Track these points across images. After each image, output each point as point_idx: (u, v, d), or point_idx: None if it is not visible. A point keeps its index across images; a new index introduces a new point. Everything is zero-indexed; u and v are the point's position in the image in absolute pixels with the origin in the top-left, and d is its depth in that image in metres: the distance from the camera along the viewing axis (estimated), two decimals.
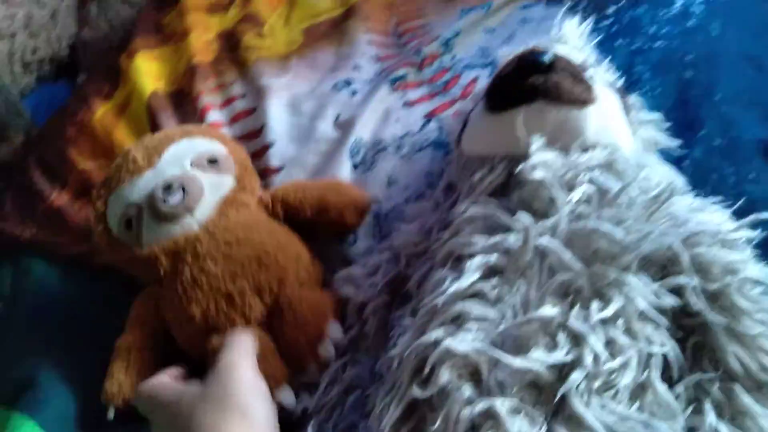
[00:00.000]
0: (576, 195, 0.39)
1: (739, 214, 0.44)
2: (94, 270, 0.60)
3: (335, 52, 0.72)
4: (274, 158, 0.62)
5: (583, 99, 0.43)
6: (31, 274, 0.62)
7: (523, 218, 0.38)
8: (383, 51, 0.72)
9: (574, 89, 0.42)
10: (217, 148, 0.53)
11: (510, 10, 0.72)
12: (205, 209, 0.49)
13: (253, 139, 0.64)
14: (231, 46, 0.75)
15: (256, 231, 0.49)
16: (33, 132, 0.77)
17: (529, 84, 0.42)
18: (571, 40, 0.52)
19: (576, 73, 0.44)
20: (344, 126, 0.63)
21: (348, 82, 0.68)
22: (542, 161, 0.41)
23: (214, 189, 0.50)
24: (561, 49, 0.47)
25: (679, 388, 0.36)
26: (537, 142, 0.42)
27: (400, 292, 0.46)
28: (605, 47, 0.61)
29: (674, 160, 0.52)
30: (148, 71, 0.73)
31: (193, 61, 0.72)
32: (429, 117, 0.62)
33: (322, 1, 0.80)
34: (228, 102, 0.69)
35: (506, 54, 0.52)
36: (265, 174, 0.62)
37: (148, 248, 0.49)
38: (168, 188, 0.49)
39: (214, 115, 0.67)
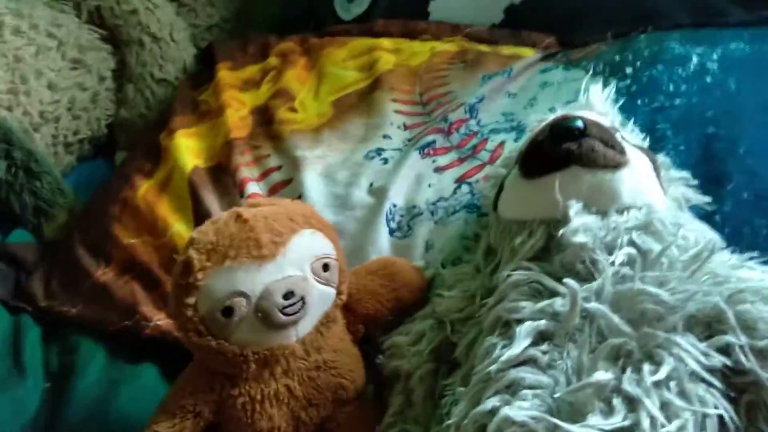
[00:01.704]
0: (619, 257, 0.40)
1: None
2: (141, 344, 0.62)
3: (365, 123, 0.75)
4: None
5: (617, 162, 0.45)
6: (79, 351, 0.64)
7: (570, 282, 0.39)
8: (410, 119, 0.75)
9: (607, 153, 0.44)
10: (331, 252, 0.48)
11: (530, 74, 0.75)
12: (308, 323, 0.46)
13: None
14: (265, 121, 0.79)
15: (340, 356, 0.48)
16: (76, 210, 0.80)
17: (564, 150, 0.44)
18: (597, 105, 0.54)
19: (607, 138, 0.46)
20: (378, 193, 0.66)
21: (379, 151, 0.71)
22: (582, 225, 0.42)
23: (320, 302, 0.47)
24: (589, 115, 0.50)
25: None
26: (575, 206, 0.43)
27: (446, 359, 0.47)
28: (626, 108, 0.63)
29: (705, 215, 0.54)
30: (188, 148, 0.76)
31: (229, 137, 0.76)
32: (460, 181, 0.65)
33: (349, 74, 0.84)
34: (265, 174, 0.72)
35: (536, 120, 0.55)
36: None
37: (239, 347, 0.45)
38: (288, 295, 0.44)
39: (253, 188, 0.70)
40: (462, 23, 0.86)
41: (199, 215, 0.67)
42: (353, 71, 0.84)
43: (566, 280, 0.39)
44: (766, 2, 0.73)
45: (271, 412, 0.46)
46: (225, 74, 0.87)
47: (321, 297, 0.47)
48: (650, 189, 0.46)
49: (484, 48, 0.82)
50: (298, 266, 0.46)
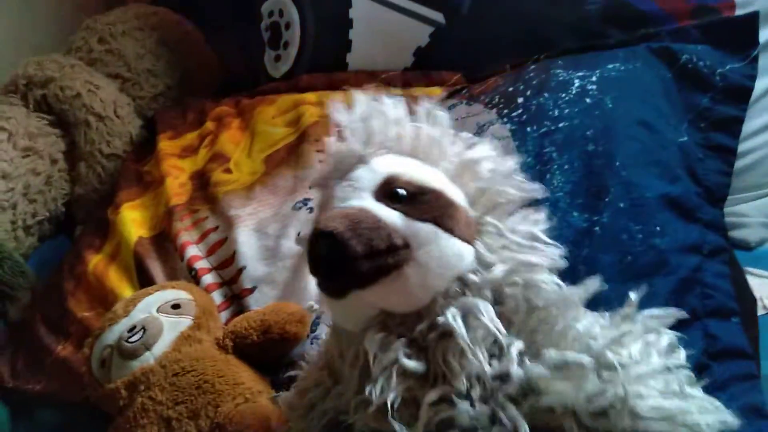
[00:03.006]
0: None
1: (652, 267, 0.54)
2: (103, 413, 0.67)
3: (293, 176, 0.81)
4: (247, 280, 0.70)
5: (390, 269, 0.39)
6: (45, 426, 0.69)
7: None
8: None
9: (380, 265, 0.38)
10: (182, 296, 0.62)
11: None
12: (162, 345, 0.58)
13: (228, 266, 0.72)
14: (202, 185, 0.84)
15: (202, 362, 0.56)
16: (38, 290, 0.85)
17: (333, 285, 0.41)
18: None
19: (374, 242, 0.38)
20: (305, 241, 0.71)
21: (305, 202, 0.76)
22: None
23: (172, 328, 0.59)
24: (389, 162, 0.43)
25: None
26: (372, 339, 0.40)
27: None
28: (518, 135, 0.70)
29: (585, 228, 0.59)
30: (133, 220, 0.82)
31: (170, 204, 0.82)
32: None
33: (278, 130, 0.89)
34: (203, 236, 0.77)
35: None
36: (241, 296, 0.69)
37: (113, 383, 0.57)
38: (132, 329, 0.58)
39: (192, 251, 0.75)
40: (378, 70, 0.93)
41: (144, 284, 0.72)
42: (282, 127, 0.90)
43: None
44: (639, 21, 0.80)
45: (142, 423, 0.54)
46: (165, 144, 0.93)
47: (172, 324, 0.60)
48: (448, 262, 0.40)
49: (397, 91, 0.88)
50: (145, 312, 0.60)
